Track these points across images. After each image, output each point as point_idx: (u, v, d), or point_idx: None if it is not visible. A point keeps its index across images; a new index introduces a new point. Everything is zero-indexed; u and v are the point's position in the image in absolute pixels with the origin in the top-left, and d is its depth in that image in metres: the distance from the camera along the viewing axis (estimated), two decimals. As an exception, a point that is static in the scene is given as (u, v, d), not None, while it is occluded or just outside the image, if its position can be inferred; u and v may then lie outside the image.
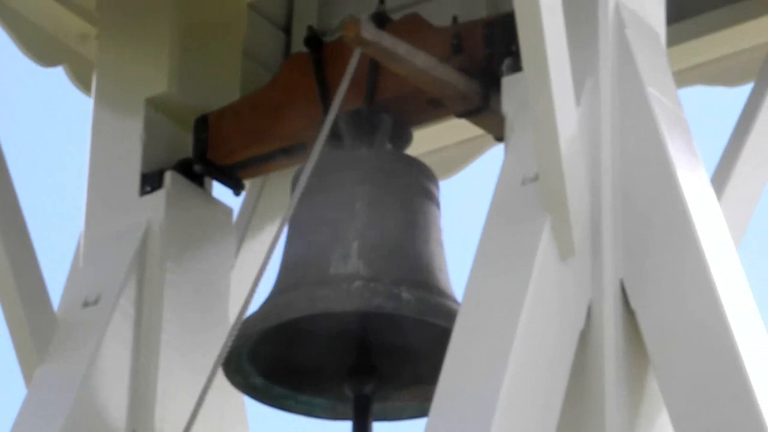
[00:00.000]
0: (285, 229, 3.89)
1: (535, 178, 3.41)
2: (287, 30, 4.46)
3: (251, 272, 4.14)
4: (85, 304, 3.91)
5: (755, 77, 4.31)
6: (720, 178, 3.96)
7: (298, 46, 4.20)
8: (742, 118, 4.27)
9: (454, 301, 3.78)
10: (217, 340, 3.88)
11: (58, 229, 4.28)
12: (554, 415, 3.30)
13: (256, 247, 4.39)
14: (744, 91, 4.26)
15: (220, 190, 4.17)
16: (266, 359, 3.86)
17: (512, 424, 3.19)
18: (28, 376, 3.88)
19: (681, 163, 3.56)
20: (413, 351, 3.90)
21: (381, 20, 3.88)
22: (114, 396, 3.89)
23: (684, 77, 4.32)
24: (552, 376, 3.36)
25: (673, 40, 4.18)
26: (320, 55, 3.98)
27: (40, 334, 3.92)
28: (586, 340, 3.38)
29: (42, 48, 4.43)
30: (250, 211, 4.43)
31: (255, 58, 4.36)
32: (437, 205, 4.04)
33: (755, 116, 4.24)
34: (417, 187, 4.01)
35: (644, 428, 3.47)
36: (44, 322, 3.95)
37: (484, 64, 3.78)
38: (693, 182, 3.58)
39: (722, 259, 3.51)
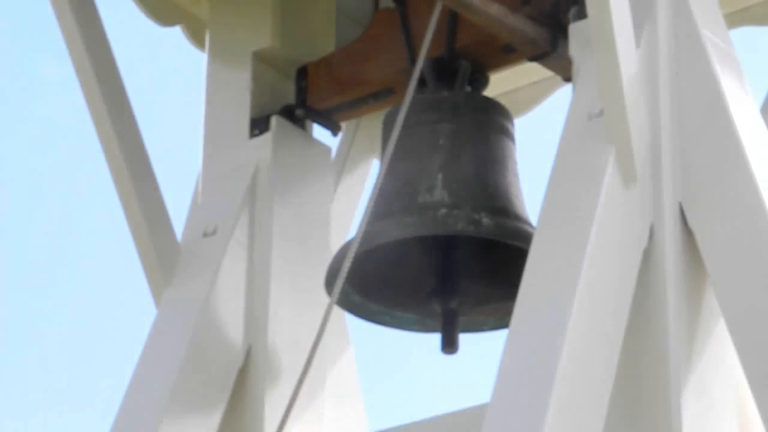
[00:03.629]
0: (379, 165, 4.02)
1: (600, 113, 3.40)
2: None
3: (348, 204, 4.35)
4: (205, 235, 3.97)
5: None
6: None
7: (386, 2, 4.20)
8: None
9: (530, 225, 3.78)
10: (319, 265, 3.97)
11: (178, 170, 4.31)
12: (622, 324, 3.31)
13: (352, 181, 4.44)
14: None
15: (319, 132, 4.22)
16: (363, 279, 3.87)
17: (584, 333, 3.21)
18: (157, 299, 3.97)
19: (732, 96, 3.54)
20: (493, 270, 3.91)
21: None
22: (232, 315, 3.95)
23: (733, 19, 4.22)
24: (619, 290, 3.37)
25: (722, -13, 4.30)
26: (405, 9, 3.97)
27: (166, 261, 3.99)
28: (648, 257, 3.40)
29: (161, 10, 4.45)
30: (346, 149, 4.46)
31: (347, 14, 4.32)
32: (512, 140, 4.05)
33: None
34: (494, 124, 4.01)
35: (703, 336, 3.48)
36: (169, 251, 4.02)
37: (551, 12, 3.76)
38: (744, 114, 3.56)
39: None
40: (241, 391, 3.89)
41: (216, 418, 3.77)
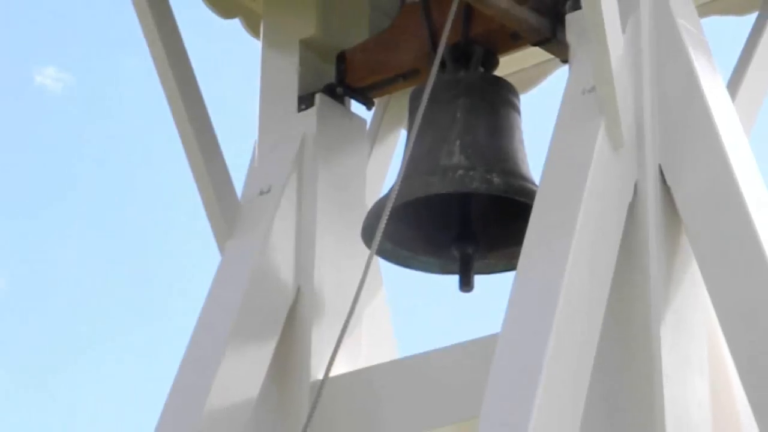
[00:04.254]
0: (406, 134, 4.11)
1: (592, 89, 3.50)
2: None
3: (380, 168, 4.45)
4: (261, 193, 4.06)
5: (759, 8, 4.27)
6: (733, 86, 3.97)
7: None
8: (749, 40, 4.25)
9: (533, 183, 3.86)
10: (356, 218, 4.06)
11: (238, 140, 4.35)
12: (611, 264, 3.42)
13: (383, 148, 4.51)
14: (750, 19, 4.25)
15: (355, 107, 4.29)
16: (394, 230, 3.91)
17: (580, 272, 3.31)
18: (221, 247, 4.07)
19: (703, 74, 3.63)
20: (503, 221, 3.98)
21: None
22: (283, 260, 4.04)
23: (703, 10, 4.25)
24: (608, 236, 3.48)
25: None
26: (428, 3, 4.03)
27: (228, 216, 4.08)
28: (633, 209, 3.51)
29: (223, 5, 4.50)
30: (378, 121, 4.54)
31: (378, 8, 4.38)
32: (519, 112, 4.12)
33: (759, 38, 4.22)
34: (503, 99, 4.09)
35: (678, 275, 3.59)
36: (231, 207, 4.11)
37: (551, 5, 3.84)
38: (713, 89, 3.65)
39: (736, 146, 3.59)
40: (292, 325, 3.96)
41: (270, 348, 3.84)
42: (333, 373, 3.85)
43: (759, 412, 3.45)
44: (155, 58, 4.17)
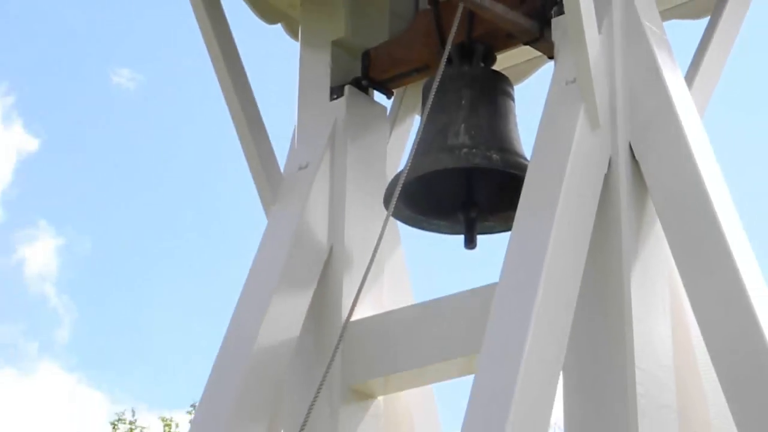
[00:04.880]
0: (420, 119, 4.11)
1: (574, 80, 3.62)
2: None
3: (398, 146, 4.51)
4: (300, 168, 4.16)
5: (710, 14, 4.28)
6: (690, 76, 4.04)
7: (423, 4, 4.32)
8: (703, 38, 4.26)
9: (525, 159, 3.92)
10: (379, 188, 4.16)
11: (281, 124, 4.40)
12: (590, 223, 3.54)
13: (401, 130, 4.56)
14: (704, 22, 4.28)
15: (378, 96, 4.35)
16: (410, 198, 4.03)
17: (564, 229, 3.44)
18: (267, 213, 4.16)
19: (665, 68, 3.75)
20: (500, 190, 4.04)
21: None
22: (319, 223, 4.10)
23: (665, 14, 4.26)
24: (588, 201, 3.59)
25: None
26: (438, 9, 4.08)
27: (273, 187, 4.17)
28: (608, 179, 3.64)
29: (267, 13, 4.53)
30: (397, 107, 4.58)
31: (396, 14, 4.42)
32: (513, 100, 4.19)
33: (711, 38, 4.23)
34: (500, 89, 4.16)
35: (645, 234, 3.69)
36: (275, 180, 4.21)
37: (539, 10, 3.89)
38: (673, 80, 3.76)
39: (692, 126, 3.69)
40: (326, 276, 4.04)
41: (308, 295, 3.94)
42: (359, 315, 3.95)
43: (710, 347, 3.46)
44: (213, 59, 4.25)
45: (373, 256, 3.77)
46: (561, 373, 3.46)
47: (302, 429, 3.55)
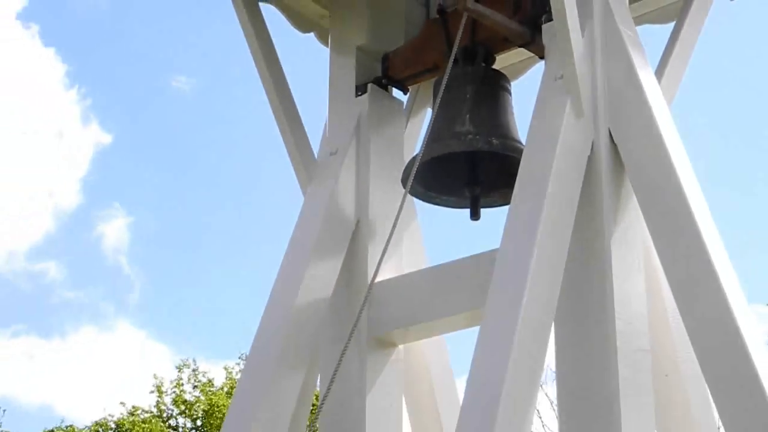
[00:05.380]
0: (431, 111, 4.13)
1: (562, 77, 3.68)
2: (426, 5, 4.53)
3: (413, 135, 4.57)
4: (330, 154, 4.23)
5: (676, 18, 4.29)
6: (659, 72, 4.09)
7: (433, 14, 4.35)
8: (670, 40, 4.27)
9: (521, 143, 3.99)
10: (397, 170, 4.21)
11: (314, 117, 4.48)
12: (576, 198, 3.58)
13: (415, 121, 4.63)
14: (670, 26, 4.32)
15: (396, 92, 4.41)
16: (424, 178, 4.09)
17: (555, 202, 3.49)
18: (304, 192, 4.25)
19: (638, 65, 3.79)
20: (500, 170, 4.10)
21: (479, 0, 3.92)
22: (347, 200, 4.13)
23: (638, 20, 4.29)
24: (574, 178, 3.62)
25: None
26: (445, 18, 4.12)
27: (309, 170, 4.25)
28: (591, 160, 3.69)
29: (301, 23, 4.56)
30: (412, 102, 4.66)
31: (410, 22, 4.47)
32: (510, 94, 4.25)
33: (676, 39, 4.25)
34: (499, 85, 4.22)
35: (623, 208, 3.73)
36: (310, 164, 4.28)
37: (532, 18, 3.93)
38: (645, 75, 3.81)
39: (662, 115, 3.72)
40: (354, 244, 4.10)
41: (339, 260, 3.99)
42: (381, 277, 4.02)
43: (678, 299, 3.51)
44: (257, 64, 4.33)
45: (393, 227, 3.82)
46: (553, 324, 3.48)
47: (335, 374, 3.61)
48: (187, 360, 18.36)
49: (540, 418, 12.99)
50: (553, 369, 4.02)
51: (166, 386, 17.33)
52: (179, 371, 17.06)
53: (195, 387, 16.76)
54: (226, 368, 17.20)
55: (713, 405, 3.54)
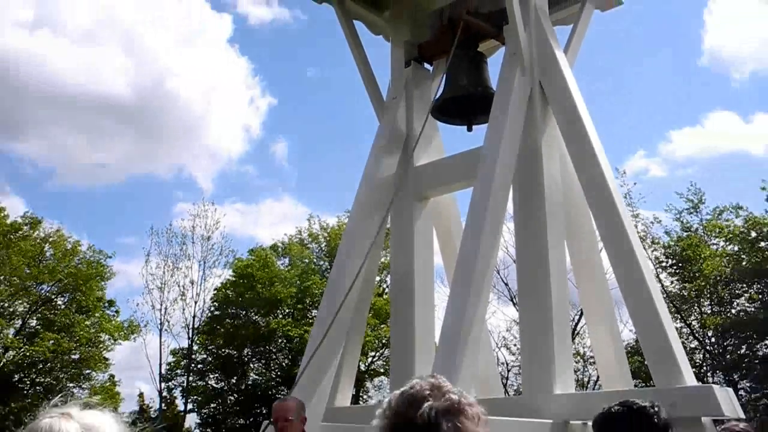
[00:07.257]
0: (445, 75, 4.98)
1: (515, 54, 4.60)
2: (441, 16, 5.42)
3: (435, 88, 5.36)
4: (392, 98, 5.23)
5: (573, 22, 5.07)
6: (565, 49, 4.95)
7: (444, 21, 5.37)
8: (571, 33, 4.97)
9: (494, 90, 4.86)
10: (427, 106, 4.98)
11: (384, 81, 5.42)
12: (522, 122, 4.44)
13: (436, 81, 5.47)
14: (569, 27, 5.06)
15: (426, 66, 5.35)
16: (441, 110, 5.16)
17: (511, 125, 4.40)
18: (380, 120, 5.13)
19: (554, 45, 4.86)
20: (483, 105, 5.08)
21: (470, 13, 4.91)
22: (401, 123, 5.08)
23: (554, 22, 5.06)
24: (521, 111, 4.57)
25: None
26: (451, 23, 5.21)
27: (382, 108, 5.20)
28: (531, 99, 4.65)
29: (374, 28, 5.47)
30: (435, 70, 5.65)
31: (432, 26, 5.48)
32: (487, 64, 5.40)
33: (574, 32, 5.09)
34: (481, 60, 5.42)
35: (550, 133, 4.65)
36: (382, 105, 5.22)
37: (498, 22, 4.93)
38: (557, 51, 4.81)
39: (567, 73, 4.58)
40: (406, 146, 4.95)
41: (398, 153, 5.00)
42: (418, 163, 4.95)
43: (582, 178, 4.31)
44: (354, 54, 5.26)
45: (422, 131, 4.77)
46: (514, 221, 4.10)
47: (387, 213, 4.48)
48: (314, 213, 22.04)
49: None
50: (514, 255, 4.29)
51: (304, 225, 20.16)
52: (309, 220, 20.39)
53: (321, 228, 20.03)
54: (338, 217, 20.08)
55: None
